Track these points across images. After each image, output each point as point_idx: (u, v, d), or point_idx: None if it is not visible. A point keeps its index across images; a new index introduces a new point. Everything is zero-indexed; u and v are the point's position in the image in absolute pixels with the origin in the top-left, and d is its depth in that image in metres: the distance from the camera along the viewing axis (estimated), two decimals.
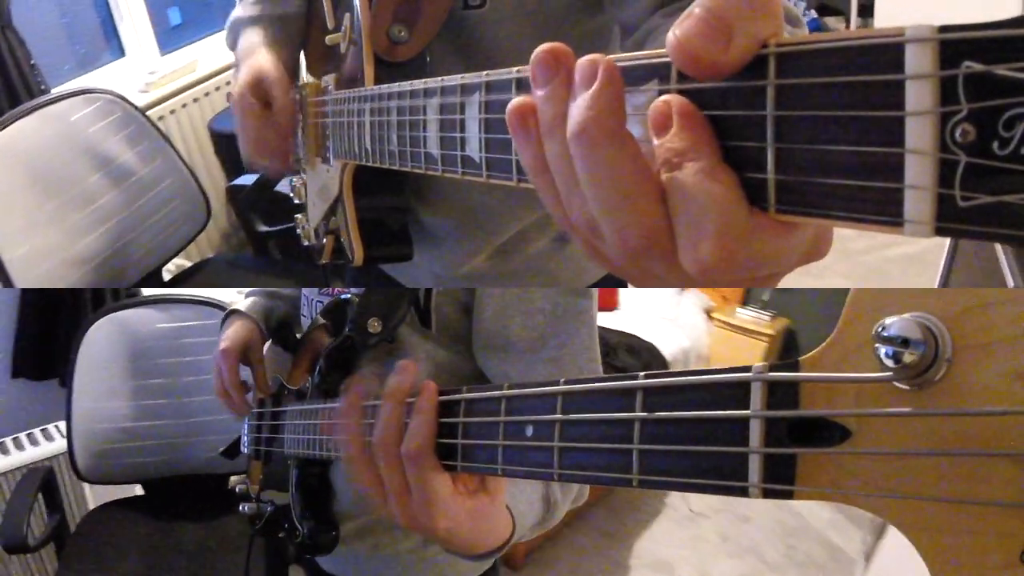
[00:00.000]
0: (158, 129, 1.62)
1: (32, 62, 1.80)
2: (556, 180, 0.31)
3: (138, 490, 1.68)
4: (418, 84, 0.47)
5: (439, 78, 0.44)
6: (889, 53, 0.22)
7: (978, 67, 0.20)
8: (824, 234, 0.28)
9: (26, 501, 1.42)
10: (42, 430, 1.79)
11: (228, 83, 2.31)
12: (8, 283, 1.31)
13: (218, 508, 1.58)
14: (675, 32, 0.26)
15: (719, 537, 2.64)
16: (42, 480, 1.51)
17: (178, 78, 2.21)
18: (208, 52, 2.39)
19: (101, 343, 1.57)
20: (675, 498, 2.81)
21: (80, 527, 1.56)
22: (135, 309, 1.60)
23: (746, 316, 3.42)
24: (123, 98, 1.56)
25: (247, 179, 2.10)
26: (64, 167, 1.44)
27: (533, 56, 0.30)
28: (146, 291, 1.73)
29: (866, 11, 3.49)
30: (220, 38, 2.49)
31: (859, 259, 2.74)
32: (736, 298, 3.57)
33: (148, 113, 1.69)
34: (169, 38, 2.34)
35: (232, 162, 2.28)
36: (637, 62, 0.30)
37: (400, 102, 0.50)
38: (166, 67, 2.23)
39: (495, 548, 0.52)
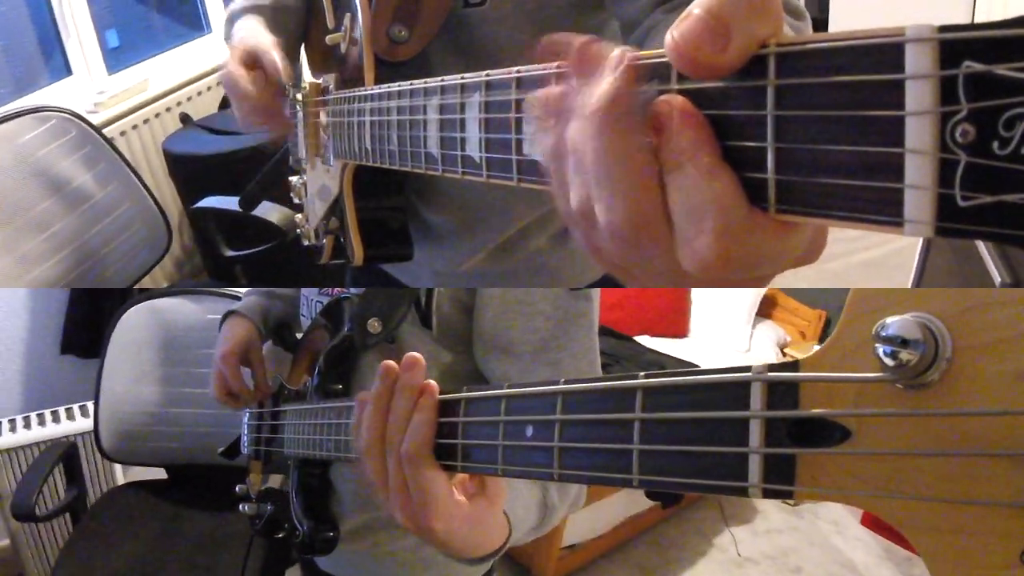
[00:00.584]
0: (116, 150, 1.54)
1: None
2: (571, 161, 0.31)
3: (163, 474, 1.71)
4: (418, 84, 0.47)
5: (439, 78, 0.44)
6: (889, 53, 0.22)
7: (978, 67, 0.20)
8: (819, 236, 0.28)
9: (41, 473, 1.43)
10: (80, 406, 1.83)
11: (180, 103, 2.26)
12: None
13: (231, 501, 1.59)
14: (673, 33, 0.26)
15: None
16: (62, 455, 1.53)
17: (129, 98, 2.14)
18: (159, 71, 2.32)
19: (135, 328, 1.57)
20: (724, 540, 2.68)
21: (96, 505, 1.58)
22: (172, 298, 1.60)
23: None
24: (79, 116, 1.48)
25: (212, 202, 2.02)
26: (15, 192, 1.36)
27: (577, 47, 0.31)
28: None
29: (820, 27, 3.46)
30: (168, 57, 2.43)
31: (823, 266, 2.67)
32: (814, 335, 3.41)
33: (105, 130, 1.61)
34: (109, 61, 2.26)
35: (187, 185, 2.21)
36: (637, 62, 0.30)
37: (400, 102, 0.50)
38: (116, 86, 2.16)
39: (490, 553, 0.52)
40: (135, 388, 1.58)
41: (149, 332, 1.57)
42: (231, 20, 0.87)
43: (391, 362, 0.47)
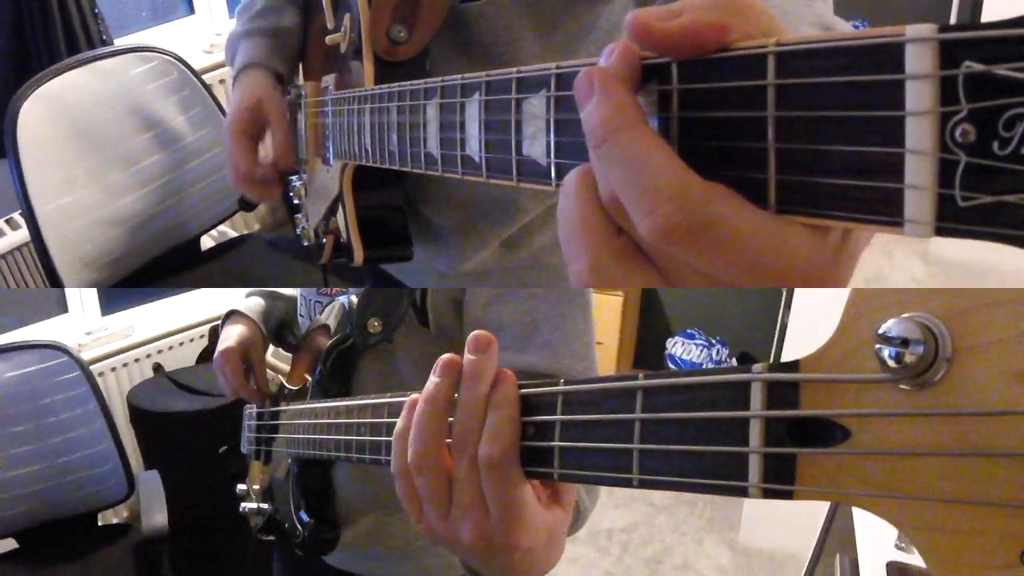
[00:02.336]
0: (213, 96, 1.56)
1: (96, 11, 1.74)
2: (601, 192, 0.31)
3: (12, 544, 1.66)
4: (418, 84, 0.47)
5: (439, 78, 0.44)
6: (889, 53, 0.22)
7: (978, 67, 0.20)
8: (846, 259, 0.27)
9: None
10: None
11: None
12: (39, 237, 1.27)
13: (92, 545, 1.61)
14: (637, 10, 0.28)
15: (605, 492, 2.64)
16: None
17: None
18: None
19: None
20: None
21: None
22: None
23: None
24: (180, 60, 1.51)
25: None
26: (110, 124, 1.39)
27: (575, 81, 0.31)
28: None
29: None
30: None
31: None
32: None
33: (208, 75, 1.60)
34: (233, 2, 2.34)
35: None
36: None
37: (400, 102, 0.50)
38: None
39: (545, 571, 0.44)
40: None
41: None
42: (231, 45, 0.87)
43: (453, 355, 0.40)
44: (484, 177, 0.40)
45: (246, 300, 0.98)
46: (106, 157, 1.38)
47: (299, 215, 0.88)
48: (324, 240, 0.80)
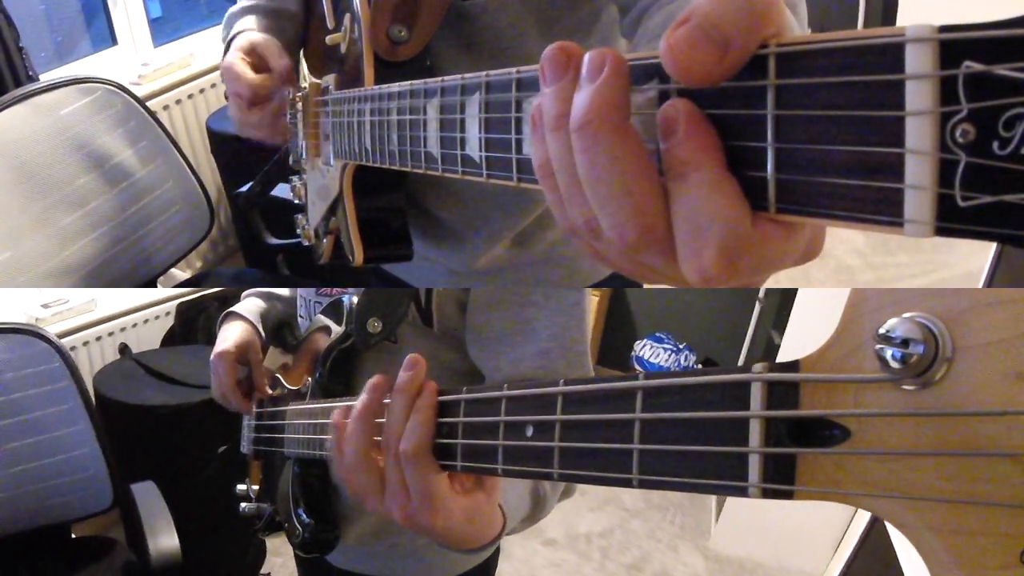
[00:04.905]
0: (162, 126, 1.47)
1: (20, 45, 1.66)
2: (558, 178, 0.31)
3: None
4: (418, 84, 0.47)
5: (439, 78, 0.44)
6: (889, 53, 0.22)
7: (978, 67, 0.20)
8: (819, 233, 0.28)
9: None
10: None
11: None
12: None
13: (66, 561, 1.43)
14: (668, 40, 0.26)
15: (578, 493, 2.68)
16: None
17: (173, 71, 2.09)
18: (204, 46, 2.27)
19: None
20: None
21: None
22: None
23: None
24: (124, 89, 1.40)
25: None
26: (54, 165, 1.29)
27: (544, 53, 0.30)
28: None
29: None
30: (215, 32, 2.41)
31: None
32: None
33: (151, 102, 1.57)
34: (153, 31, 2.24)
35: (230, 165, 2.13)
36: (637, 62, 0.30)
37: (400, 102, 0.50)
38: (160, 59, 2.10)
39: (486, 543, 0.53)
40: None
41: None
42: (229, 22, 0.87)
43: (380, 377, 0.49)
44: (484, 177, 0.40)
45: (243, 301, 0.98)
46: (53, 201, 1.29)
47: (299, 215, 0.88)
48: (324, 240, 0.80)
